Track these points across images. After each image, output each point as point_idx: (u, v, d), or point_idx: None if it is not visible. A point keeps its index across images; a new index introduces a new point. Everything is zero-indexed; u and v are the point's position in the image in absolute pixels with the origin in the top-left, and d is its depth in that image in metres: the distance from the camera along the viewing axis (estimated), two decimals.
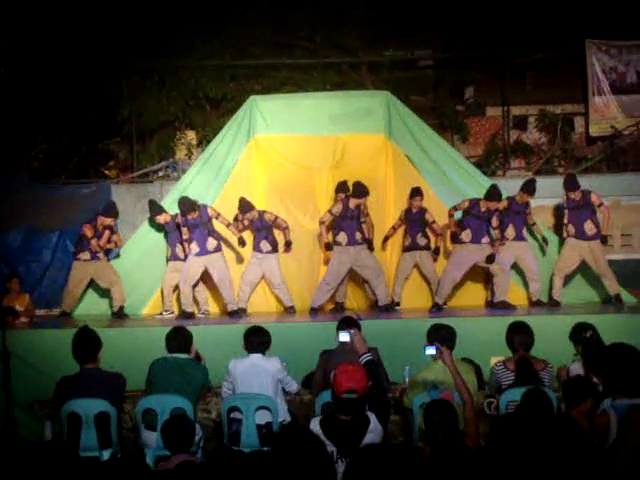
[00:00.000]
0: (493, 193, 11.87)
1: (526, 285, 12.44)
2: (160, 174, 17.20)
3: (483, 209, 11.87)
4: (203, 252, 11.92)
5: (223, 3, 18.53)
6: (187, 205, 11.84)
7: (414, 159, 13.06)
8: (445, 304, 12.25)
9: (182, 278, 12.03)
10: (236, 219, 12.45)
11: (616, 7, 17.69)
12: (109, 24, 17.72)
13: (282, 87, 18.24)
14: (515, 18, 18.47)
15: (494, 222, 11.97)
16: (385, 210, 13.00)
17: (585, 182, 12.65)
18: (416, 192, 12.38)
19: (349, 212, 11.85)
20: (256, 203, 12.49)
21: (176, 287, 12.40)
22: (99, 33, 17.69)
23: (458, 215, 12.17)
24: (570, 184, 12.16)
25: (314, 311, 12.00)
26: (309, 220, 12.81)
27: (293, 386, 8.21)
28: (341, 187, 12.39)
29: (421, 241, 12.51)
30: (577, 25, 17.87)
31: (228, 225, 12.10)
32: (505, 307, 11.80)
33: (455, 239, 12.07)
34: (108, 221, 12.36)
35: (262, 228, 12.28)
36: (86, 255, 12.20)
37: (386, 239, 12.82)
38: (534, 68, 19.90)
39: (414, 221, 12.50)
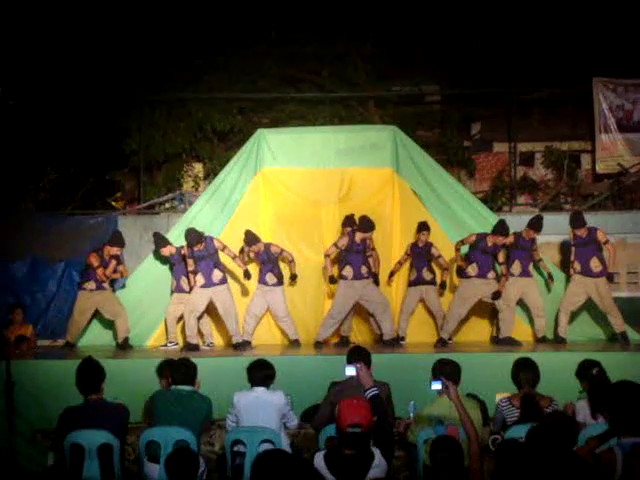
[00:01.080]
0: (501, 228, 11.86)
1: (531, 321, 12.40)
2: (167, 206, 17.24)
3: (490, 244, 11.86)
4: (209, 284, 11.91)
5: (231, 36, 18.68)
6: (194, 236, 11.85)
7: (420, 194, 13.07)
8: (450, 339, 12.22)
9: (187, 310, 12.01)
10: (242, 251, 12.45)
11: (623, 46, 17.80)
12: (118, 56, 17.86)
13: (289, 120, 18.34)
14: (522, 55, 18.59)
15: (500, 257, 11.94)
16: (391, 244, 12.98)
17: (591, 219, 12.63)
18: (423, 226, 12.38)
19: (355, 246, 11.83)
20: (262, 236, 12.49)
21: (180, 319, 12.39)
22: (108, 65, 17.83)
23: (465, 249, 12.17)
24: (576, 221, 12.14)
25: (319, 345, 11.93)
26: (315, 253, 12.80)
27: (294, 422, 8.18)
28: (348, 221, 12.39)
29: (427, 276, 12.49)
30: (584, 63, 17.98)
31: (234, 257, 12.10)
32: (510, 343, 11.76)
33: (461, 273, 12.05)
34: (114, 250, 12.35)
35: (268, 261, 12.26)
36: (91, 285, 12.19)
37: (392, 274, 12.79)
38: (541, 105, 19.98)
39: (420, 255, 12.48)
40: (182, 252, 12.20)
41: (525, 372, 7.87)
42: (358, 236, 11.84)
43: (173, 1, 18.57)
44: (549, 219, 13.01)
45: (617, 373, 7.81)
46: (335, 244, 12.02)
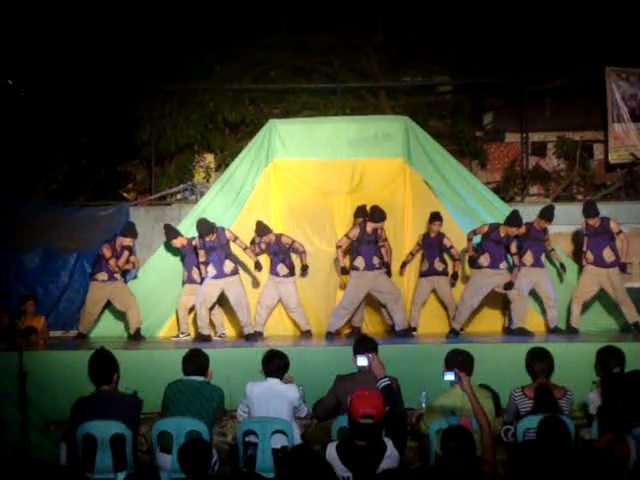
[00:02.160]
0: (513, 219, 11.83)
1: (544, 312, 12.37)
2: (178, 197, 17.21)
3: (502, 234, 11.82)
4: (220, 275, 11.91)
5: (243, 27, 18.65)
6: (205, 227, 11.85)
7: (432, 184, 13.04)
8: (462, 330, 12.19)
9: (199, 301, 12.02)
10: (253, 242, 12.45)
11: (636, 35, 17.69)
12: (129, 47, 17.85)
13: (301, 111, 18.28)
14: (534, 45, 18.49)
15: (513, 248, 11.90)
16: (403, 235, 12.97)
17: (604, 209, 12.58)
18: (435, 217, 12.36)
19: (366, 236, 11.81)
20: (273, 227, 12.50)
21: (192, 309, 12.40)
22: (119, 56, 17.82)
23: (477, 240, 12.13)
24: (589, 211, 12.10)
25: (330, 335, 11.92)
26: (326, 244, 12.80)
27: (304, 412, 8.15)
28: (359, 211, 12.38)
29: (439, 266, 12.47)
30: (597, 52, 17.87)
31: (245, 248, 12.10)
32: (522, 334, 11.74)
33: (473, 264, 12.02)
34: (127, 241, 12.38)
35: (279, 252, 12.27)
36: (103, 276, 12.21)
37: (404, 264, 12.77)
38: (553, 95, 19.86)
39: (432, 246, 12.46)
40: (193, 243, 12.21)
41: (540, 362, 7.80)
42: (369, 226, 11.82)
43: None
44: (561, 209, 12.95)
45: (630, 363, 7.78)
46: (347, 235, 12.00)
